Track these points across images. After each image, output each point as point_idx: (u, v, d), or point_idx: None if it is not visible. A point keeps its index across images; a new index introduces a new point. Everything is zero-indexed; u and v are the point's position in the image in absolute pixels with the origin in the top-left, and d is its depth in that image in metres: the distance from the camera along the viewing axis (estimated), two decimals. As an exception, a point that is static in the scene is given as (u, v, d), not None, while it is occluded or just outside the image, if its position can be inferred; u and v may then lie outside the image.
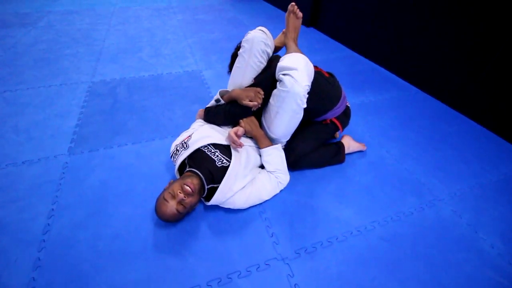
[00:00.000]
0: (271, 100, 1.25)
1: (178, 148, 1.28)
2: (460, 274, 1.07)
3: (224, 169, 1.18)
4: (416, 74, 2.32)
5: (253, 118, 1.35)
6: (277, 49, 1.53)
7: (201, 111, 1.51)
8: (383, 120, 1.91)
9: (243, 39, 1.33)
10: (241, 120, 1.34)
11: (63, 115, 1.83)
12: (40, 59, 2.56)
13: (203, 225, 1.20)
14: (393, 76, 2.50)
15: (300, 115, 1.24)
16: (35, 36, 3.06)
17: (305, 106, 1.20)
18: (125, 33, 3.23)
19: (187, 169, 1.20)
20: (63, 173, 1.41)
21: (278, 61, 1.25)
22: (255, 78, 1.35)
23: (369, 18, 2.67)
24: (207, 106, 1.46)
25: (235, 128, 1.26)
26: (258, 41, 1.28)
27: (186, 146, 1.25)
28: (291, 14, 1.39)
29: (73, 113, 1.86)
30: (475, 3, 1.79)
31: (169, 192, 1.08)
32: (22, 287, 0.97)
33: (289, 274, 1.04)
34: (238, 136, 1.24)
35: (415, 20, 2.22)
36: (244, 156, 1.25)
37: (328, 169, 1.50)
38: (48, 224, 1.18)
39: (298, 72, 1.15)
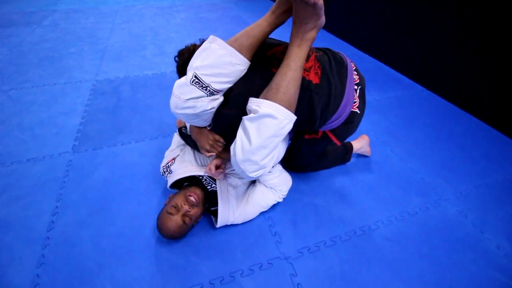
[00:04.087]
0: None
1: (164, 170, 1.23)
2: (465, 275, 1.06)
3: (215, 193, 1.14)
4: (421, 72, 2.30)
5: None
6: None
7: None
8: (388, 118, 1.90)
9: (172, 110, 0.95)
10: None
11: (68, 113, 1.84)
12: (45, 57, 2.58)
13: (206, 224, 1.20)
14: (398, 74, 2.48)
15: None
16: (40, 34, 3.08)
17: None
18: (129, 31, 3.24)
19: (185, 184, 1.19)
20: (67, 171, 1.42)
21: (245, 98, 0.88)
22: (213, 121, 0.98)
23: (374, 16, 2.64)
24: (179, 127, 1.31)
25: (211, 163, 1.11)
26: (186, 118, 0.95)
27: (170, 170, 1.20)
28: None
29: (77, 111, 1.87)
30: (481, 1, 1.76)
31: (173, 206, 1.04)
32: (27, 284, 0.98)
33: (292, 273, 1.04)
34: (214, 175, 1.12)
35: (421, 18, 2.19)
36: (230, 179, 1.19)
37: (331, 168, 1.49)
38: (52, 222, 1.18)
39: (255, 167, 0.86)
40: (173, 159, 1.24)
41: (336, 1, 3.12)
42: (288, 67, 0.84)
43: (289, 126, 0.85)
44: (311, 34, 0.85)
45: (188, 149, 1.28)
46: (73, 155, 1.52)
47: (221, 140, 1.02)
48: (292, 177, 1.32)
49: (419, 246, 1.15)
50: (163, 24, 3.49)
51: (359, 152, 1.52)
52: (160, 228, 1.05)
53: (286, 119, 0.83)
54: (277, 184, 1.19)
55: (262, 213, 1.24)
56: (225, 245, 1.12)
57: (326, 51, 1.05)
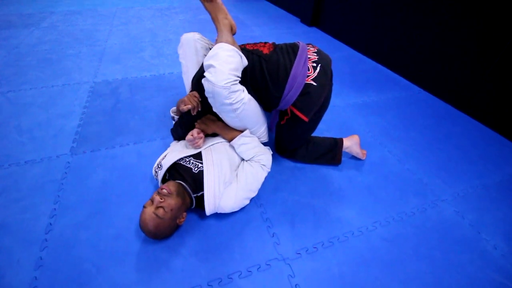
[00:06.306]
0: None
1: (156, 170, 1.28)
2: (463, 275, 1.06)
3: (202, 173, 1.17)
4: (419, 73, 2.31)
5: (208, 116, 1.33)
6: None
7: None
8: (386, 120, 1.90)
9: (178, 47, 1.39)
10: (195, 123, 1.33)
11: (66, 115, 1.84)
12: (43, 59, 2.58)
13: (204, 225, 1.20)
14: (396, 75, 2.49)
15: (244, 105, 1.13)
16: (38, 36, 3.08)
17: (241, 97, 1.10)
18: (127, 33, 3.24)
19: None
20: (65, 173, 1.42)
21: None
22: (192, 79, 1.33)
23: (372, 18, 2.65)
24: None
25: (192, 131, 1.27)
26: (189, 42, 1.28)
27: (160, 166, 1.26)
28: None
29: (76, 113, 1.87)
30: (479, 2, 1.78)
31: (149, 200, 1.07)
32: (24, 286, 0.98)
33: (290, 275, 1.04)
34: (195, 138, 1.24)
35: (418, 19, 2.21)
36: (215, 155, 1.23)
37: (329, 169, 1.49)
38: (50, 224, 1.18)
39: (213, 69, 1.03)
40: (164, 156, 1.31)
41: (333, 3, 3.14)
42: (221, 37, 1.14)
43: (240, 53, 1.10)
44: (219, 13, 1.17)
45: (177, 144, 1.39)
46: (71, 157, 1.52)
47: (197, 95, 1.25)
48: (291, 178, 1.33)
49: (416, 247, 1.15)
50: (162, 26, 3.49)
51: (349, 152, 1.51)
52: (140, 225, 1.05)
53: (232, 47, 1.08)
54: (257, 153, 1.27)
55: (260, 214, 1.24)
56: (223, 246, 1.12)
57: (284, 44, 1.30)
